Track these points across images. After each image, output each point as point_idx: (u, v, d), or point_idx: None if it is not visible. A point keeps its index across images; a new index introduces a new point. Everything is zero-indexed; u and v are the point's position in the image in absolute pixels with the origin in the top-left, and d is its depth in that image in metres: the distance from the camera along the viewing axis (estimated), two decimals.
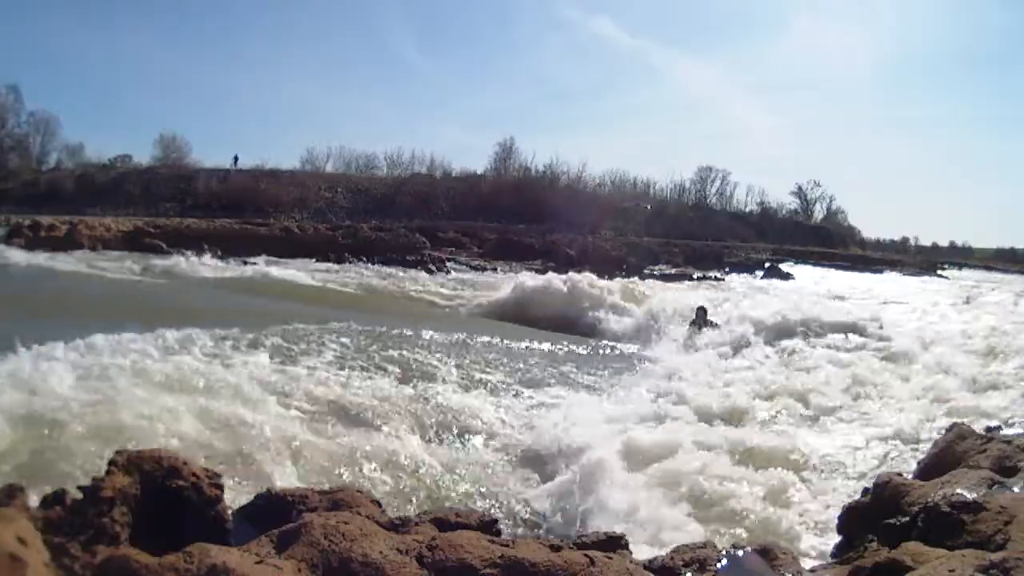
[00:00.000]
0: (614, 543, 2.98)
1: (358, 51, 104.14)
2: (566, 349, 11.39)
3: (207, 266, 19.67)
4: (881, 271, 45.76)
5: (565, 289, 16.80)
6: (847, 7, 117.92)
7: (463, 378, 8.00)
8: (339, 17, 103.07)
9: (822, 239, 64.91)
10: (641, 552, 3.38)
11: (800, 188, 75.46)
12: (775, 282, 29.27)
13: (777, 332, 12.56)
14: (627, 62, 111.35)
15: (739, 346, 11.58)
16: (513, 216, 45.01)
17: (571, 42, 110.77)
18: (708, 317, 13.89)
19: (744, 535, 4.31)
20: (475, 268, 26.51)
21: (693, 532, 4.25)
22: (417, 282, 20.05)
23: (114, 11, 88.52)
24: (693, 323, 13.59)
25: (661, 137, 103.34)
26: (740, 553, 3.05)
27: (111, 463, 2.41)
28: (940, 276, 45.81)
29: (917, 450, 6.06)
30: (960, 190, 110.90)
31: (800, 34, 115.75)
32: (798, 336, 12.33)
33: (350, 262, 24.35)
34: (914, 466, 4.76)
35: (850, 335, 12.39)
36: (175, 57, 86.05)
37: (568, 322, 14.92)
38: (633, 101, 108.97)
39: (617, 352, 12.01)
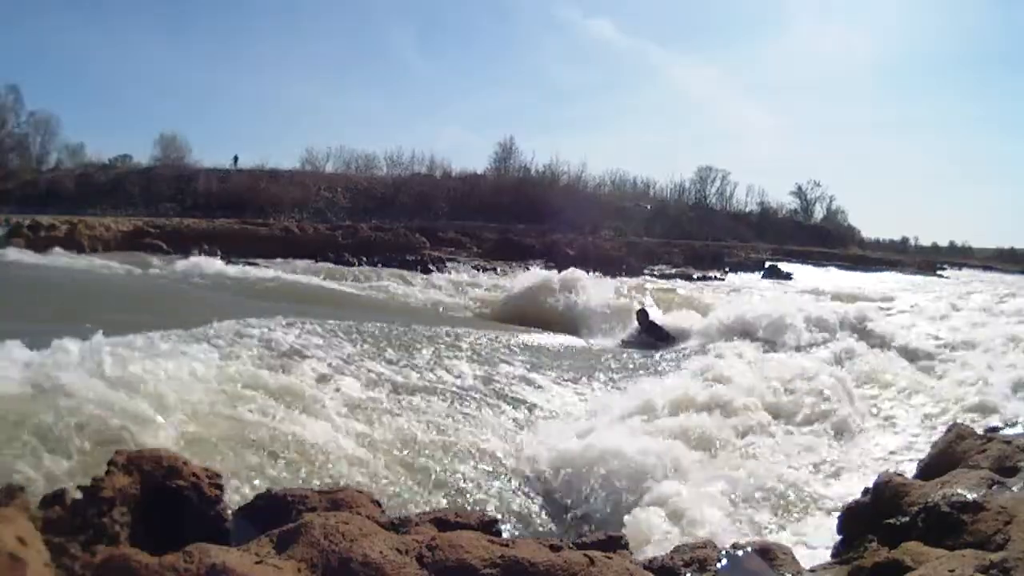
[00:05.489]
0: (614, 543, 2.98)
1: (358, 51, 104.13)
2: None
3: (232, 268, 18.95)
4: (888, 271, 45.56)
5: None
6: (847, 7, 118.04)
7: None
8: (339, 17, 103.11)
9: (822, 239, 64.92)
10: (641, 552, 3.38)
11: (800, 188, 75.67)
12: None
13: None
14: (627, 62, 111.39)
15: None
16: (513, 216, 45.03)
17: (570, 42, 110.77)
18: (651, 319, 12.81)
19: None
20: (475, 268, 26.49)
21: None
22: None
23: (114, 11, 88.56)
24: (639, 328, 12.64)
25: (661, 137, 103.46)
26: (740, 553, 3.05)
27: (111, 463, 2.41)
28: (940, 276, 45.75)
29: None
30: (960, 190, 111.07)
31: (800, 34, 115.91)
32: None
33: (350, 263, 24.29)
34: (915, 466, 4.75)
35: None
36: (175, 57, 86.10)
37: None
38: (633, 101, 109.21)
39: None
